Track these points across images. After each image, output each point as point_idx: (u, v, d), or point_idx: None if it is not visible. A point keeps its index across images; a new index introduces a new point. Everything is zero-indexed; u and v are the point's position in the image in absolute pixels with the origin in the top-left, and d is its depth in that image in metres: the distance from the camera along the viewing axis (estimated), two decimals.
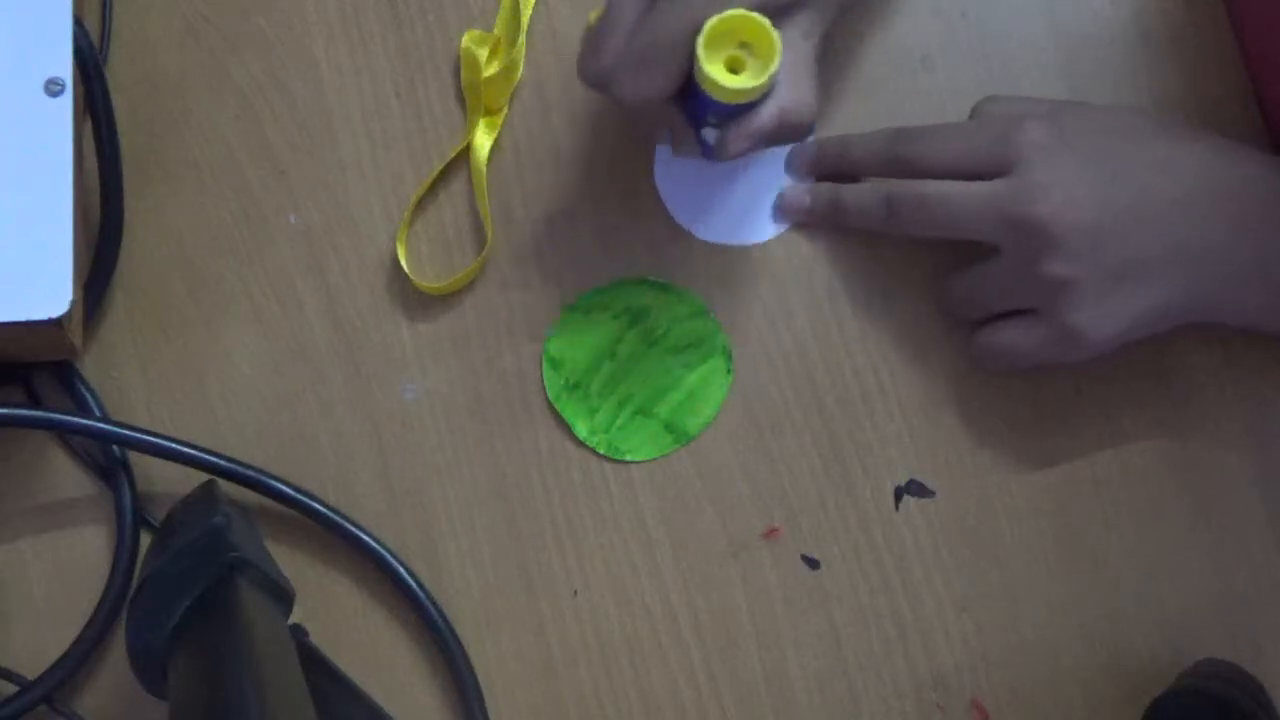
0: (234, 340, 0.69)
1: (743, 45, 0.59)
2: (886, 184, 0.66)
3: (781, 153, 0.69)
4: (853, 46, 0.70)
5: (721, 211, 0.69)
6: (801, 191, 0.68)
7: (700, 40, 0.58)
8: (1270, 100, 0.69)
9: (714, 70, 0.58)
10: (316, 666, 0.63)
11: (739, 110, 0.60)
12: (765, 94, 0.60)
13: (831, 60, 0.70)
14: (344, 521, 0.66)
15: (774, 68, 0.58)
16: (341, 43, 0.70)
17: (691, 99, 0.61)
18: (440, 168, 0.69)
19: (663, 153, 0.69)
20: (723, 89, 0.58)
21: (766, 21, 0.58)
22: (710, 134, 0.63)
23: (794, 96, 0.61)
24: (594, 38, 0.61)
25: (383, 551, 0.66)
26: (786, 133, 0.62)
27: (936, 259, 0.68)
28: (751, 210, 0.69)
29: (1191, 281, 0.62)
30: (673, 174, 0.69)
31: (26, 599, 0.67)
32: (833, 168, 0.68)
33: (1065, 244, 0.61)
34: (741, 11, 0.58)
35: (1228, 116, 0.70)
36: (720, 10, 0.58)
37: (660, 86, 0.60)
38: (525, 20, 0.70)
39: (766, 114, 0.61)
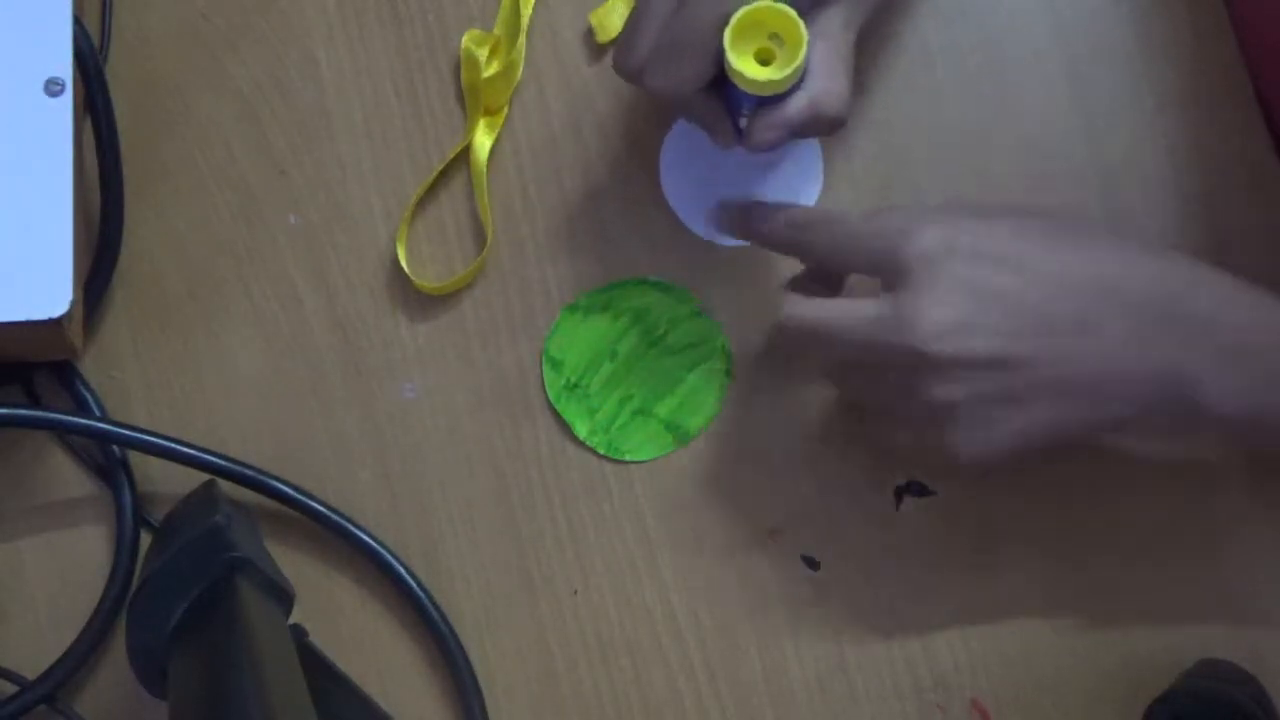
0: (234, 340, 0.69)
1: (773, 36, 0.59)
2: (788, 298, 0.62)
3: (785, 153, 0.69)
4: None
5: None
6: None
7: (727, 33, 0.58)
8: (1270, 100, 0.69)
9: (740, 63, 0.58)
10: (316, 666, 0.63)
11: (770, 101, 0.60)
12: (796, 85, 0.60)
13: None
14: (344, 521, 0.66)
15: (799, 60, 0.58)
16: (341, 43, 0.70)
17: (727, 89, 0.61)
18: (440, 168, 0.69)
19: (668, 153, 0.69)
20: (748, 80, 0.58)
21: (793, 12, 0.58)
22: (745, 124, 0.63)
23: (825, 87, 0.60)
24: (627, 31, 0.61)
25: (383, 551, 0.66)
26: (817, 124, 0.61)
27: None
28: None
29: (1083, 407, 0.58)
30: (677, 174, 0.69)
31: (26, 599, 0.67)
32: (746, 234, 0.67)
33: (942, 369, 0.57)
34: (769, 3, 0.58)
35: (1228, 116, 0.70)
36: (750, 1, 0.58)
37: (691, 78, 0.60)
38: (525, 20, 0.70)
39: (795, 105, 0.60)
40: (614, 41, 0.70)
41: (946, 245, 0.58)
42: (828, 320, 0.60)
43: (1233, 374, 0.57)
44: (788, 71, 0.58)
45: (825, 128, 0.61)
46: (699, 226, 0.69)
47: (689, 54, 0.59)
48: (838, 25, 0.61)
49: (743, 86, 0.59)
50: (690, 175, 0.69)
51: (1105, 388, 0.58)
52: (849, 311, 0.60)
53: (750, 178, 0.69)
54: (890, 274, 0.59)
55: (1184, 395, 0.57)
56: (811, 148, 0.69)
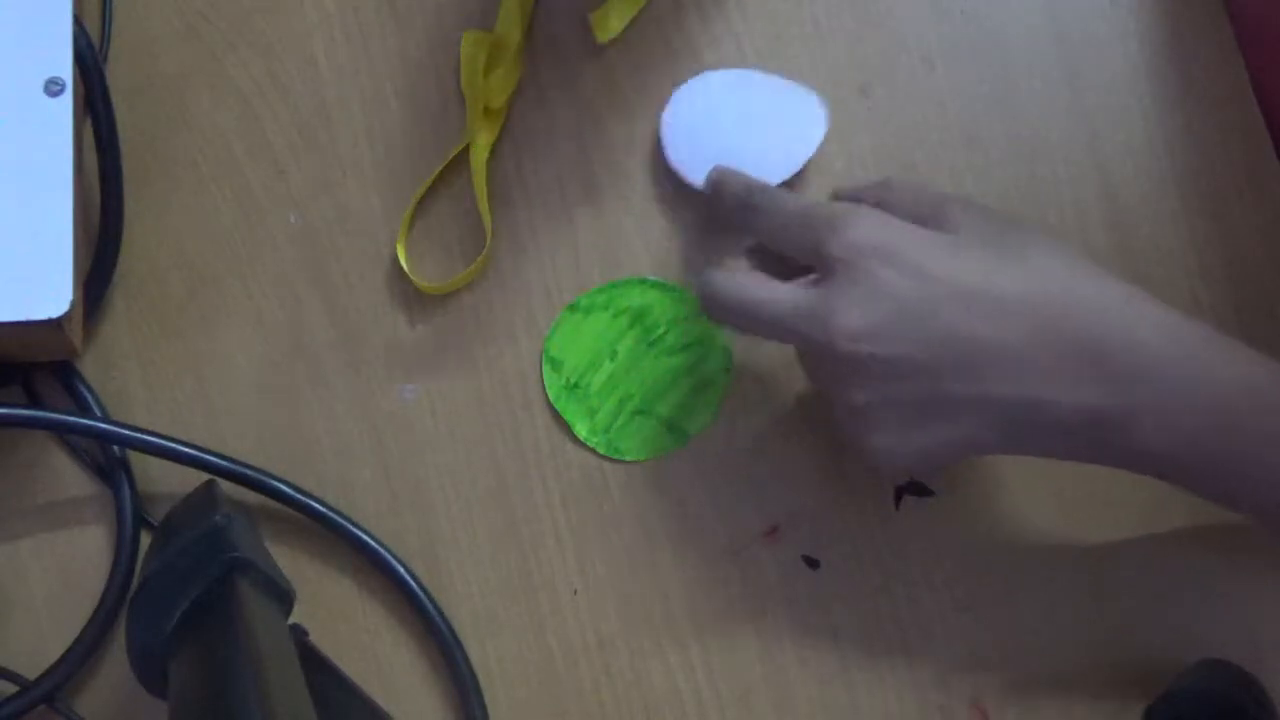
0: (234, 340, 0.69)
1: None
2: (707, 271, 0.63)
3: (790, 106, 0.69)
4: (853, 46, 0.70)
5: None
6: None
7: None
8: (1270, 100, 0.69)
9: None
10: (316, 666, 0.63)
11: None
12: None
13: (830, 59, 0.70)
14: (344, 521, 0.66)
15: None
16: (341, 43, 0.70)
17: None
18: (440, 168, 0.69)
19: (671, 111, 0.68)
20: None
21: None
22: None
23: None
24: None
25: (383, 551, 0.66)
26: None
27: None
28: (757, 165, 0.68)
29: (1003, 428, 0.57)
30: (680, 130, 0.68)
31: (26, 599, 0.67)
32: (713, 200, 0.67)
33: (856, 370, 0.58)
34: None
35: (1228, 116, 0.70)
36: None
37: None
38: (525, 20, 0.70)
39: None
40: (614, 41, 0.70)
41: (868, 246, 0.57)
42: (746, 299, 0.61)
43: (1171, 426, 0.55)
44: None
45: None
46: (698, 180, 0.68)
47: None
48: None
49: None
50: (692, 132, 0.68)
51: (1029, 413, 0.57)
52: (770, 294, 0.60)
53: (749, 130, 0.68)
54: (818, 266, 0.59)
55: (1113, 434, 0.56)
56: (809, 100, 0.69)
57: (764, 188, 0.64)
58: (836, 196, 0.66)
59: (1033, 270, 0.58)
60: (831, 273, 0.58)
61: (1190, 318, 0.57)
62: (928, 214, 0.60)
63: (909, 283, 0.57)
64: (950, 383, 0.57)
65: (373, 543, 0.66)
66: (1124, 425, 0.56)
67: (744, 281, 0.61)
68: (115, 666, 0.66)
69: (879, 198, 0.62)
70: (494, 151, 0.69)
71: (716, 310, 0.63)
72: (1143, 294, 0.58)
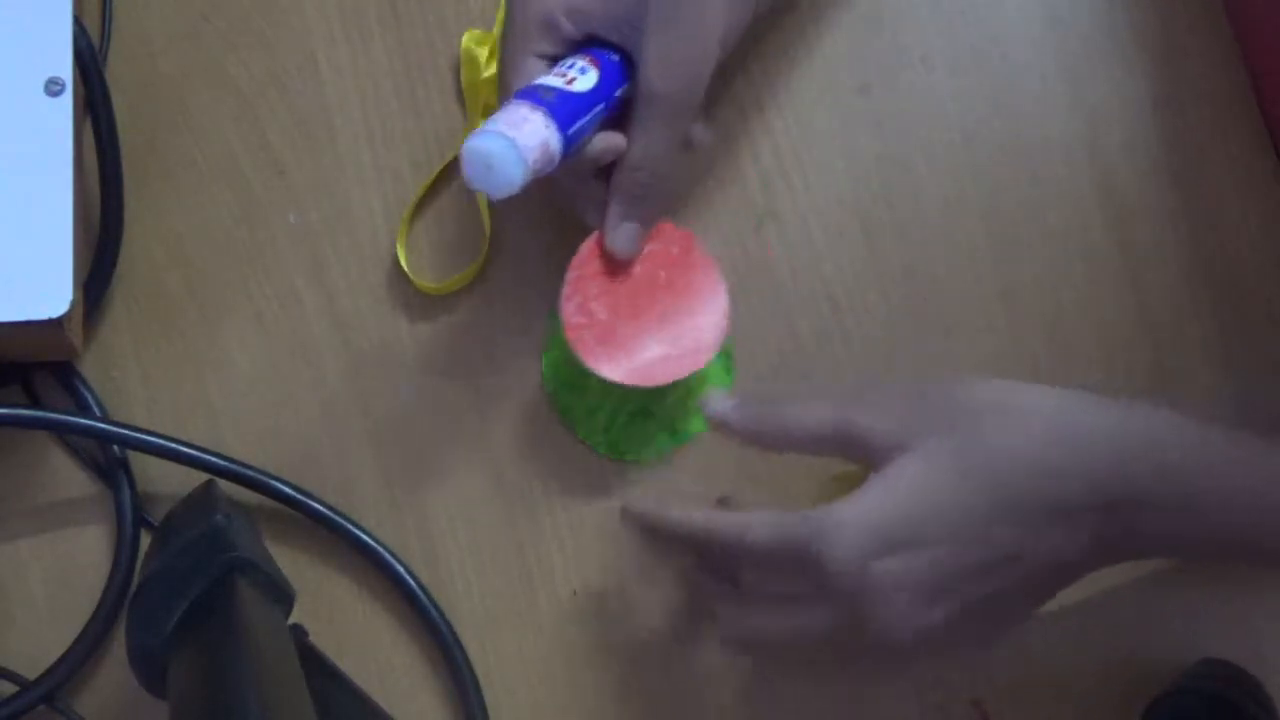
0: (234, 340, 0.69)
1: None
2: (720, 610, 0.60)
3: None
4: (852, 46, 0.70)
5: None
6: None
7: None
8: (1270, 100, 0.69)
9: None
10: (316, 666, 0.63)
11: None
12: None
13: (830, 59, 0.70)
14: (344, 521, 0.66)
15: None
16: (341, 43, 0.70)
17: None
18: (440, 168, 0.69)
19: None
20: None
21: None
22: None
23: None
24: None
25: (383, 551, 0.66)
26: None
27: (931, 264, 0.68)
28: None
29: (1032, 603, 0.58)
30: None
31: (26, 599, 0.67)
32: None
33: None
34: None
35: (1227, 116, 0.70)
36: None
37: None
38: None
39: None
40: None
41: (860, 561, 0.54)
42: (781, 637, 0.58)
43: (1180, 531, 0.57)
44: None
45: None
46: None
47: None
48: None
49: None
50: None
51: (1052, 586, 0.57)
52: (798, 627, 0.57)
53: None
54: (813, 577, 0.55)
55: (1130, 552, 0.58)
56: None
57: (729, 523, 0.58)
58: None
59: (996, 467, 0.55)
60: (845, 596, 0.55)
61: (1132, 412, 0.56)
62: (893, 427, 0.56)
63: (916, 567, 0.54)
64: (976, 594, 0.56)
65: (373, 543, 0.66)
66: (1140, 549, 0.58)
67: (759, 624, 0.58)
68: (115, 666, 0.66)
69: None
70: None
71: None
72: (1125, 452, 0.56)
